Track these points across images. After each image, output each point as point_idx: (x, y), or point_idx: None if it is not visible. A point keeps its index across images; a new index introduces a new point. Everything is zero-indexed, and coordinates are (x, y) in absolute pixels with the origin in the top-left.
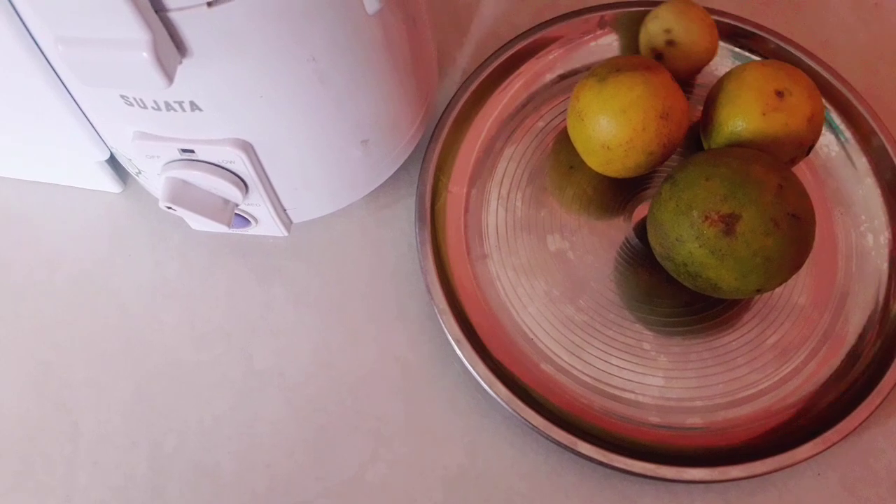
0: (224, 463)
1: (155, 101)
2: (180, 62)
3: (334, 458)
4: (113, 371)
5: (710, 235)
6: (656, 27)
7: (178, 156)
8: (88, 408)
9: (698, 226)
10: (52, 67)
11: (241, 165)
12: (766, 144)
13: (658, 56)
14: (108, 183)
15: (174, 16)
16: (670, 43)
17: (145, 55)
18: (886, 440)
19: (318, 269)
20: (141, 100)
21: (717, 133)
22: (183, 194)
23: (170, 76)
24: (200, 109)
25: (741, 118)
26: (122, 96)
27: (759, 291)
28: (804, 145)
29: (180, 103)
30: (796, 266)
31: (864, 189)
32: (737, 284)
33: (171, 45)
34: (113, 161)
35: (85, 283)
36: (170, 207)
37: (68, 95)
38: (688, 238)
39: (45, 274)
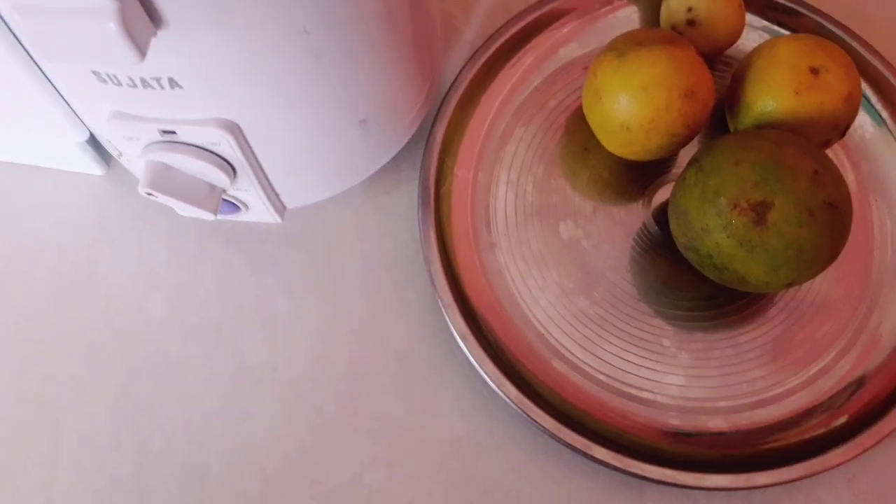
0: (213, 464)
1: (130, 78)
2: (154, 34)
3: (330, 459)
4: (96, 366)
5: (738, 225)
6: (678, 3)
7: (159, 137)
8: (70, 405)
9: (726, 214)
10: (17, 39)
11: (228, 148)
12: (798, 126)
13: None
14: (89, 165)
15: None
16: (691, 22)
17: (112, 25)
18: None
19: (314, 259)
20: (114, 76)
21: (745, 113)
22: (165, 179)
23: (142, 50)
24: (180, 87)
25: (772, 97)
26: (94, 72)
27: (789, 285)
28: (839, 126)
29: (158, 80)
30: (831, 258)
31: None
32: (766, 278)
33: (143, 13)
34: (94, 141)
35: (67, 272)
36: (150, 194)
37: (39, 71)
38: (714, 228)
39: (25, 262)
